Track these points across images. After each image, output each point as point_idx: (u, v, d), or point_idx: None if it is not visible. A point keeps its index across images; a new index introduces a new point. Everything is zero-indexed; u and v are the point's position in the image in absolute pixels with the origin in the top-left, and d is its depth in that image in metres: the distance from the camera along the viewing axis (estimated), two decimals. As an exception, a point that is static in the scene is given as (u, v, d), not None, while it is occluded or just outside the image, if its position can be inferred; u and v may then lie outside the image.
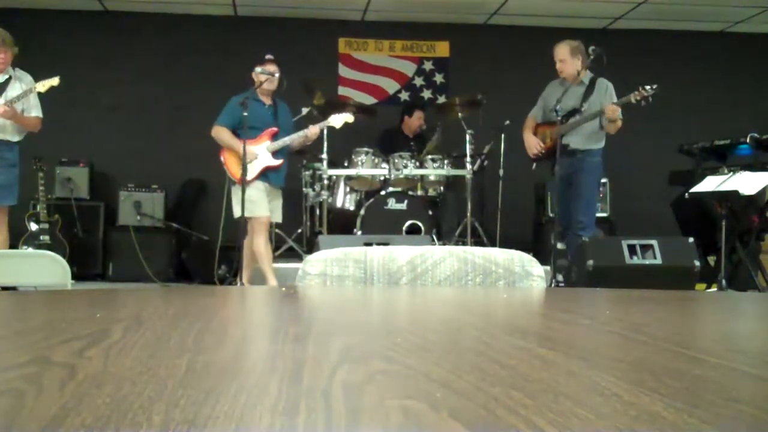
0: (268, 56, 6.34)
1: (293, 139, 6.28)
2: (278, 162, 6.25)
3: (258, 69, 6.26)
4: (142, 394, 0.62)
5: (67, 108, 7.82)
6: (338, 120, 6.42)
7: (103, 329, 0.97)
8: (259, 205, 6.20)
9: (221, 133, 6.27)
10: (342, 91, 8.98)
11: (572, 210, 6.28)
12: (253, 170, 6.19)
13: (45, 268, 2.46)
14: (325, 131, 6.81)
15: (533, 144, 6.41)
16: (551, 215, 7.32)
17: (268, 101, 6.35)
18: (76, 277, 7.85)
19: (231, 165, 6.27)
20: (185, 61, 8.77)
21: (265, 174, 6.24)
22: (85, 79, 8.52)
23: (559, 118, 6.17)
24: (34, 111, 6.02)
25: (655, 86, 6.13)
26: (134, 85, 8.70)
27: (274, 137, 6.27)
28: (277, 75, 6.25)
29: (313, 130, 6.29)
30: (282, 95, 6.49)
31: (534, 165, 6.44)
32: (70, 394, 0.62)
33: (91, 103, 8.60)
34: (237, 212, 6.16)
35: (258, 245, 6.22)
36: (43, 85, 5.86)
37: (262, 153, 6.23)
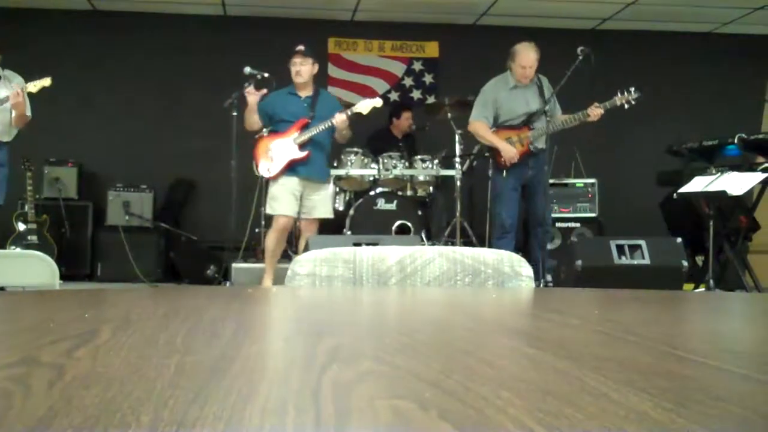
0: (299, 48, 6.23)
1: (319, 129, 6.14)
2: (303, 154, 6.12)
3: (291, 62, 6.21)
4: (131, 394, 0.61)
5: (55, 108, 7.78)
6: (366, 106, 6.33)
7: (92, 329, 0.97)
8: (279, 203, 6.13)
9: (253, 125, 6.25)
10: (331, 90, 8.95)
11: (539, 208, 6.30)
12: (277, 164, 6.12)
13: (33, 269, 2.45)
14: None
15: (512, 151, 6.33)
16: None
17: (304, 93, 6.26)
18: (65, 277, 7.83)
19: (259, 160, 6.21)
20: (174, 61, 8.75)
21: (293, 168, 6.15)
22: (74, 79, 8.48)
23: (529, 122, 6.21)
24: (27, 112, 6.01)
25: (638, 94, 6.23)
26: (123, 85, 8.67)
27: (305, 128, 6.18)
28: (300, 69, 6.15)
29: (339, 118, 6.13)
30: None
31: (504, 173, 6.37)
32: (58, 394, 0.61)
33: (80, 102, 8.57)
34: (266, 209, 6.16)
35: (266, 241, 6.20)
36: (35, 86, 5.84)
37: (287, 145, 6.15)
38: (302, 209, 6.21)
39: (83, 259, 7.93)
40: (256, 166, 6.22)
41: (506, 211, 6.35)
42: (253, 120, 6.17)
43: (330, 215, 6.52)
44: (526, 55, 6.30)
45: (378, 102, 6.40)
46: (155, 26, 8.83)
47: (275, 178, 6.12)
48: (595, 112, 6.30)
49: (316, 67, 6.36)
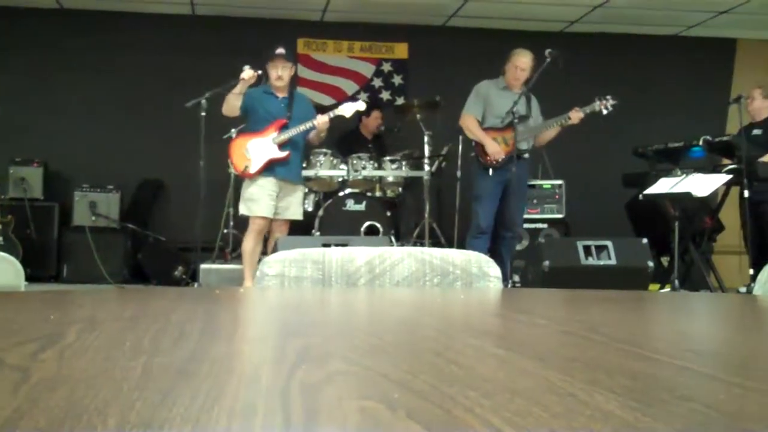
0: (278, 51, 6.18)
1: (300, 129, 6.13)
2: (283, 154, 6.09)
3: (270, 65, 6.16)
4: (97, 396, 0.61)
5: (21, 107, 7.71)
6: (349, 108, 6.31)
7: (58, 331, 0.96)
8: (258, 204, 6.08)
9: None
10: (301, 91, 8.95)
11: (513, 211, 6.36)
12: (256, 163, 6.08)
13: (-3, 270, 2.41)
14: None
15: (498, 150, 6.40)
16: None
17: (281, 94, 6.24)
18: (30, 278, 7.72)
19: (235, 158, 6.15)
20: (142, 60, 8.68)
21: (271, 168, 6.10)
22: (40, 78, 8.40)
23: (515, 124, 6.26)
24: None
25: (615, 102, 6.36)
26: (90, 84, 8.58)
27: (284, 128, 6.14)
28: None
29: (321, 119, 6.12)
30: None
31: (490, 171, 6.44)
32: (23, 397, 0.61)
33: (46, 102, 8.47)
34: (240, 209, 6.10)
35: (244, 242, 6.16)
36: None
37: (267, 145, 6.10)
38: (276, 210, 6.18)
39: (49, 260, 7.84)
40: (233, 165, 6.16)
41: (485, 212, 6.43)
42: (236, 105, 6.07)
43: (301, 217, 6.51)
44: (522, 57, 6.45)
45: (362, 105, 6.42)
46: (123, 25, 8.74)
47: (253, 177, 6.08)
48: (576, 115, 6.41)
49: (294, 70, 6.37)
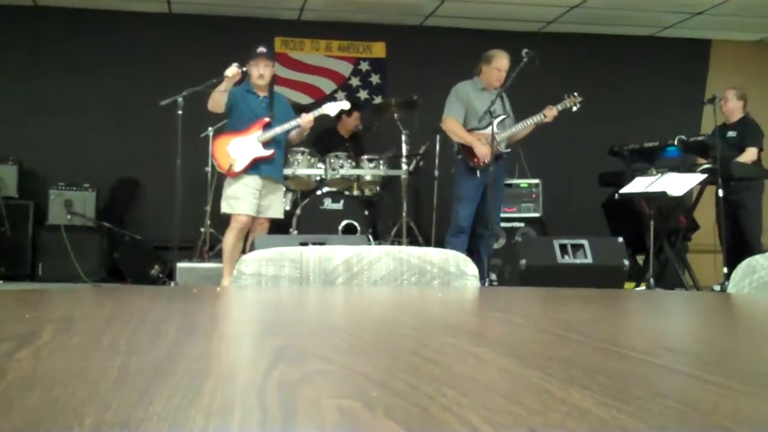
0: (259, 50, 6.17)
1: (285, 128, 6.13)
2: (268, 152, 6.09)
3: (251, 62, 6.14)
4: (74, 396, 0.61)
5: (-6, 104, 7.64)
6: (333, 108, 6.31)
7: (33, 330, 0.95)
8: (241, 202, 6.05)
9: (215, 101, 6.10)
10: (278, 90, 8.92)
11: (491, 210, 6.38)
12: (242, 162, 6.05)
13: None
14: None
15: (487, 151, 6.39)
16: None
17: (262, 93, 6.23)
18: (5, 277, 7.69)
19: (219, 157, 6.11)
20: (118, 58, 8.62)
21: (256, 166, 6.09)
22: (14, 75, 8.33)
23: (495, 124, 6.28)
24: None
25: (581, 98, 6.44)
26: (66, 82, 8.51)
27: (267, 128, 6.14)
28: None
29: (306, 118, 6.13)
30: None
31: (478, 172, 6.45)
32: (-2, 396, 0.60)
33: (21, 99, 8.40)
34: (222, 207, 6.07)
35: (225, 239, 6.13)
36: None
37: (251, 143, 6.08)
38: (258, 208, 6.17)
39: (24, 259, 7.76)
40: (217, 164, 6.13)
41: (466, 212, 6.45)
42: (222, 102, 6.05)
43: (282, 215, 6.52)
44: (503, 60, 6.50)
45: (346, 104, 6.43)
46: (98, 23, 8.68)
47: (238, 175, 6.06)
48: (551, 113, 6.45)
49: (274, 69, 6.37)
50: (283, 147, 6.34)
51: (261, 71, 6.14)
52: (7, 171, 7.88)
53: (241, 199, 6.05)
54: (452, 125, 6.57)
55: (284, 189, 6.60)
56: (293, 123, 6.14)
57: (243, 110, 6.11)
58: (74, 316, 1.17)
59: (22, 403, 0.58)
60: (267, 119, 6.14)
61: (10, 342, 0.85)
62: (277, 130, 6.11)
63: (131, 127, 8.30)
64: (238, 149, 6.07)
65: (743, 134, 7.18)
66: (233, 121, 6.16)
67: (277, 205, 6.35)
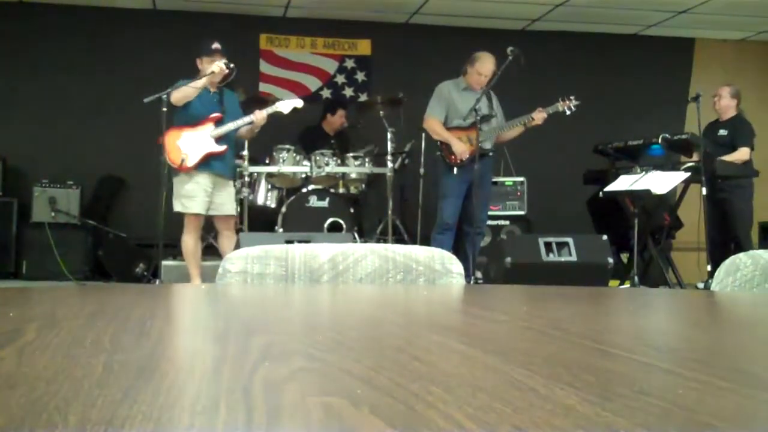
0: (215, 46, 6.09)
1: (238, 124, 6.07)
2: (221, 148, 6.02)
3: (205, 59, 6.04)
4: (58, 394, 0.60)
5: (-23, 101, 7.59)
6: (286, 105, 6.25)
7: (17, 329, 0.95)
8: (194, 201, 5.98)
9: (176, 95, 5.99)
10: (263, 87, 8.91)
11: (477, 208, 6.40)
12: (194, 157, 6.00)
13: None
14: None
15: (463, 147, 6.44)
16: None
17: (213, 88, 6.14)
18: (-13, 275, 7.60)
19: (170, 151, 6.04)
20: (103, 54, 8.58)
21: (208, 163, 6.01)
22: (-3, 72, 8.27)
23: (478, 123, 6.29)
24: None
25: (578, 102, 6.44)
26: (50, 78, 8.46)
27: (218, 123, 6.08)
28: (226, 69, 5.98)
29: (260, 115, 6.06)
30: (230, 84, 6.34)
31: (455, 170, 6.48)
32: (-19, 395, 0.60)
33: (4, 96, 8.34)
34: (175, 207, 6.01)
35: (184, 242, 6.08)
36: None
37: (204, 138, 6.02)
38: (211, 206, 6.11)
39: (7, 257, 7.72)
40: (168, 158, 6.02)
41: (450, 209, 6.48)
42: (191, 97, 5.95)
43: (234, 212, 6.42)
44: (486, 64, 6.48)
45: (299, 102, 6.36)
46: (83, 19, 8.63)
47: (189, 171, 6.00)
48: (539, 116, 6.47)
49: None
50: (233, 144, 6.25)
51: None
52: (-9, 168, 7.84)
53: (193, 197, 5.98)
54: (432, 124, 6.62)
55: (234, 185, 6.52)
56: (246, 119, 6.08)
57: (194, 105, 6.00)
58: (58, 314, 1.17)
59: (6, 401, 0.58)
60: (219, 115, 6.07)
61: (-7, 340, 0.85)
62: (230, 126, 6.04)
63: (115, 124, 8.26)
64: (190, 144, 5.97)
65: (734, 133, 7.19)
66: (183, 115, 6.00)
67: (230, 202, 6.26)
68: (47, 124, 8.39)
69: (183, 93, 5.93)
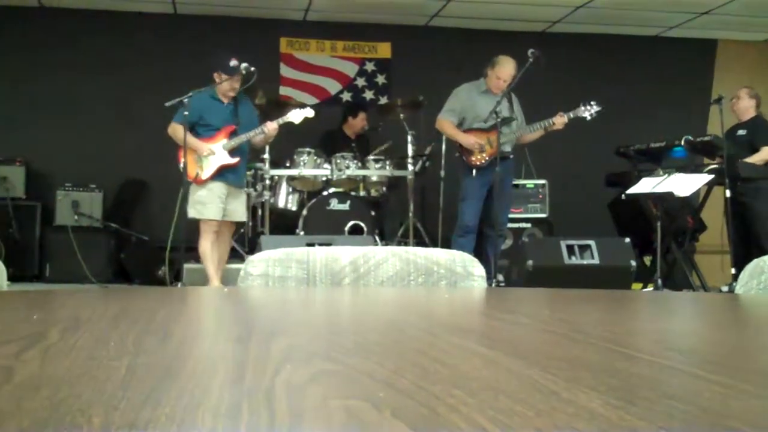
0: (234, 63, 6.18)
1: (250, 136, 6.18)
2: (234, 160, 6.14)
3: (224, 76, 6.15)
4: (81, 396, 0.61)
5: (2, 105, 7.66)
6: (298, 115, 6.33)
7: (41, 331, 0.95)
8: (208, 207, 6.11)
9: (176, 131, 6.10)
10: (283, 90, 8.93)
11: (498, 211, 6.39)
12: (208, 169, 6.10)
13: (-21, 270, 2.40)
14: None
15: (473, 141, 6.44)
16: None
17: (227, 100, 6.26)
18: (12, 278, 7.67)
19: (187, 164, 6.16)
20: (124, 59, 8.64)
21: (222, 174, 6.14)
22: (22, 77, 8.35)
23: (499, 125, 6.27)
24: None
25: (600, 108, 6.41)
26: (72, 83, 8.53)
27: (233, 135, 6.19)
28: (236, 86, 6.17)
29: (271, 126, 6.17)
30: (244, 92, 6.42)
31: (474, 172, 6.47)
32: (7, 397, 0.61)
33: (28, 100, 8.41)
34: (189, 213, 6.12)
35: (202, 246, 6.17)
36: None
37: (217, 151, 6.13)
38: (224, 213, 6.23)
39: (31, 260, 7.78)
40: (184, 170, 6.13)
41: (471, 212, 6.47)
42: (180, 141, 6.11)
43: (245, 218, 6.69)
44: (505, 69, 6.46)
45: (310, 113, 6.42)
46: (105, 23, 8.70)
47: (204, 182, 6.12)
48: (560, 120, 6.44)
49: None
50: (246, 153, 6.40)
51: (235, 86, 6.21)
52: (15, 172, 7.90)
53: (208, 204, 6.12)
54: (442, 125, 6.65)
55: (245, 193, 6.66)
56: (257, 131, 6.20)
57: (208, 119, 6.16)
58: (81, 317, 1.18)
59: (30, 403, 0.58)
60: (233, 127, 6.20)
61: (17, 342, 0.86)
62: (243, 138, 6.16)
63: (137, 128, 8.31)
64: (205, 157, 6.13)
65: (753, 133, 7.13)
66: (198, 129, 6.17)
67: (242, 210, 6.45)
68: (69, 128, 8.45)
69: (175, 134, 6.12)
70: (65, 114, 8.49)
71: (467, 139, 6.46)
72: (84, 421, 0.53)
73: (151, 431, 0.52)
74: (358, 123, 8.28)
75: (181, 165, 6.10)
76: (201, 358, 0.85)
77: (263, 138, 6.31)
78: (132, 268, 7.69)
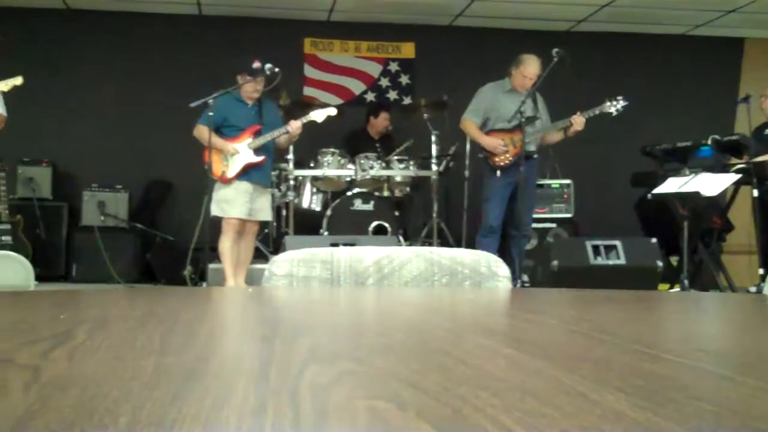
0: (257, 65, 6.26)
1: (275, 135, 6.25)
2: (259, 159, 6.22)
3: (248, 78, 6.24)
4: (108, 396, 0.61)
5: (29, 107, 7.72)
6: (320, 114, 6.39)
7: (68, 330, 0.96)
8: (232, 206, 6.18)
9: (202, 133, 6.21)
10: (307, 91, 8.96)
11: (523, 211, 6.37)
12: (234, 168, 6.16)
13: (8, 269, 2.42)
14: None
15: (496, 143, 6.42)
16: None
17: (251, 101, 6.34)
18: (40, 278, 7.76)
19: (213, 163, 6.23)
20: (149, 61, 8.70)
21: (247, 172, 6.21)
22: (49, 78, 8.42)
23: (523, 125, 6.25)
24: (0, 110, 5.95)
25: (626, 103, 6.35)
26: (98, 84, 8.61)
27: (257, 135, 6.24)
28: (260, 87, 6.26)
29: (295, 125, 6.25)
30: (267, 94, 6.48)
31: (498, 172, 6.46)
32: (34, 396, 0.61)
33: (54, 102, 8.50)
34: (213, 210, 6.18)
35: (222, 244, 6.21)
36: (6, 85, 5.78)
37: (242, 150, 6.19)
38: (249, 212, 6.27)
39: (58, 260, 7.87)
40: (210, 170, 6.20)
41: (495, 212, 6.45)
42: (205, 141, 6.20)
43: (270, 218, 6.75)
44: (530, 67, 6.44)
45: (333, 111, 6.49)
46: (130, 25, 8.77)
47: (230, 181, 6.16)
48: (579, 120, 6.39)
49: None
50: (271, 153, 6.46)
51: (258, 87, 6.29)
52: (42, 173, 7.99)
53: (232, 202, 6.19)
54: (466, 126, 6.64)
55: (271, 193, 6.70)
56: (282, 130, 6.28)
57: (232, 120, 6.26)
58: (108, 317, 1.18)
59: (57, 402, 0.59)
60: (258, 126, 6.29)
61: (45, 342, 0.86)
62: (267, 137, 6.25)
63: (163, 129, 8.36)
64: (230, 154, 6.18)
65: None
66: (224, 130, 6.26)
67: (267, 209, 6.50)
68: (96, 129, 8.53)
69: (200, 135, 6.23)
70: (91, 115, 8.56)
71: (490, 142, 6.45)
72: (110, 421, 0.54)
73: (177, 431, 0.52)
74: (380, 122, 8.28)
75: (207, 167, 6.17)
76: (226, 358, 0.86)
77: (288, 137, 6.36)
78: (157, 268, 7.75)
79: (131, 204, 8.13)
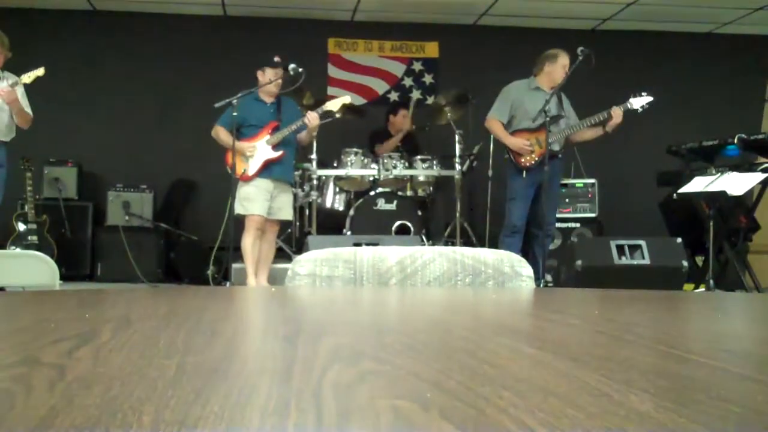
0: (277, 59, 6.31)
1: (292, 129, 6.27)
2: (278, 154, 6.25)
3: (267, 69, 6.32)
4: (132, 394, 0.61)
5: (55, 108, 7.79)
6: (335, 103, 6.41)
7: (92, 330, 0.97)
8: (254, 203, 6.23)
9: (219, 133, 6.29)
10: (331, 91, 8.97)
11: (546, 210, 6.33)
12: (254, 165, 6.20)
13: (33, 269, 2.44)
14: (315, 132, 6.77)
15: (522, 143, 6.40)
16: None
17: (270, 99, 6.38)
18: (65, 277, 7.85)
19: (231, 162, 6.28)
20: (174, 61, 8.75)
21: (268, 168, 6.25)
22: (74, 79, 8.49)
23: (548, 124, 6.22)
24: (26, 108, 6.01)
25: (651, 98, 6.31)
26: (123, 85, 8.67)
27: (275, 131, 6.28)
28: (280, 80, 6.30)
29: (311, 116, 6.26)
30: (291, 94, 6.53)
31: (524, 173, 6.43)
32: (59, 394, 0.61)
33: (80, 102, 8.57)
34: (236, 209, 6.23)
35: (244, 242, 6.25)
36: (29, 77, 5.84)
37: (261, 147, 6.22)
38: (270, 210, 6.30)
39: (83, 260, 7.93)
40: (230, 169, 6.25)
41: (519, 211, 6.44)
42: (226, 145, 6.26)
43: (291, 217, 6.74)
44: (567, 58, 6.47)
45: (347, 99, 6.51)
46: (155, 26, 8.83)
47: (251, 179, 6.19)
48: (617, 112, 6.34)
49: None
50: (293, 148, 6.49)
51: (276, 79, 6.34)
52: (68, 173, 8.05)
53: (254, 200, 6.24)
54: (492, 125, 6.62)
55: (293, 191, 6.73)
56: (299, 123, 6.29)
57: (251, 120, 6.31)
58: (132, 316, 1.19)
59: (82, 401, 0.59)
60: (275, 123, 6.33)
61: (70, 341, 0.87)
62: (285, 131, 6.28)
63: (187, 129, 8.41)
64: (249, 153, 6.25)
65: None
66: (244, 131, 6.32)
67: (288, 207, 6.53)
68: (120, 130, 8.59)
69: (218, 137, 6.34)
70: (116, 116, 8.63)
71: (516, 143, 6.42)
72: (135, 420, 0.54)
73: (200, 429, 0.53)
74: (399, 120, 8.22)
75: (229, 168, 6.21)
76: (249, 357, 0.86)
77: (307, 132, 6.37)
78: (181, 267, 7.80)
79: (156, 204, 8.19)
